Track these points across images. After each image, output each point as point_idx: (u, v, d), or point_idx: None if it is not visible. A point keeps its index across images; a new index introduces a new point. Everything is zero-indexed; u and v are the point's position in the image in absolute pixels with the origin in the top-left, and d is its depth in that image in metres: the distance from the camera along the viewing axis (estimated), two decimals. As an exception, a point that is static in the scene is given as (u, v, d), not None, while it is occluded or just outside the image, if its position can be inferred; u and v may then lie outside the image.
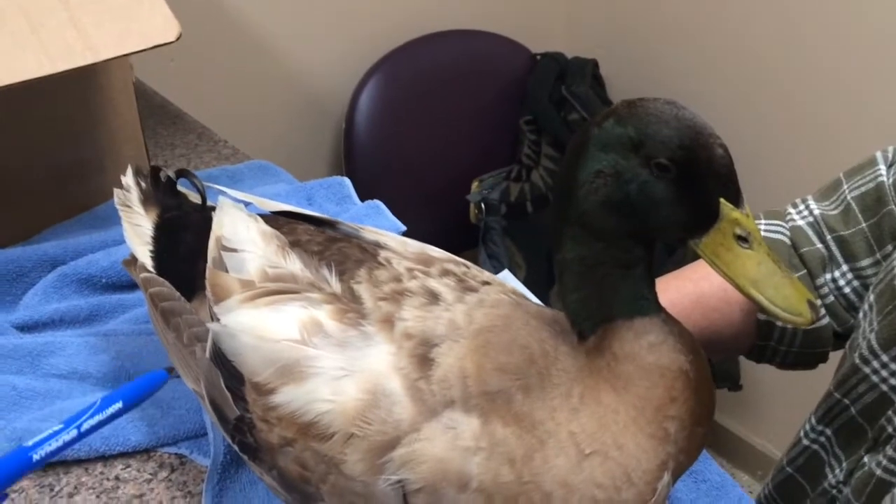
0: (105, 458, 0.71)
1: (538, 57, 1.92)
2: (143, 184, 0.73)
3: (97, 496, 0.68)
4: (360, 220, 0.99)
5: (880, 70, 1.50)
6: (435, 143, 1.84)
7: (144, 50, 0.80)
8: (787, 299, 0.49)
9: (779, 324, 0.77)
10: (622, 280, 0.53)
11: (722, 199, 0.49)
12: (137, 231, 0.70)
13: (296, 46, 1.70)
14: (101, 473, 0.70)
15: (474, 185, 1.86)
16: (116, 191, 0.72)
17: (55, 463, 0.70)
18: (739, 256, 0.50)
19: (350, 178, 1.18)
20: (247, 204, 0.71)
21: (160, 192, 0.73)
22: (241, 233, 0.61)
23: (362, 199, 1.04)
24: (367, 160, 1.76)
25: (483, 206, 1.84)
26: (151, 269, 0.67)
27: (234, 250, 0.60)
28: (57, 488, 0.68)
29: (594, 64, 1.90)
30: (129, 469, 0.71)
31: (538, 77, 1.88)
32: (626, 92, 1.95)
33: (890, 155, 0.76)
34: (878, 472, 0.63)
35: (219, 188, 0.73)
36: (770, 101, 1.70)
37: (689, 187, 0.49)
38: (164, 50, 1.53)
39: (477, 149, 1.89)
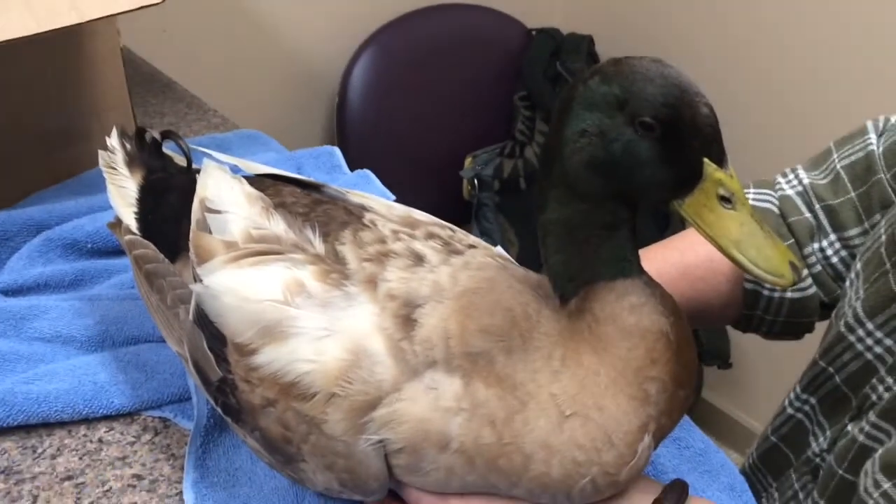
0: (88, 421, 0.71)
1: (534, 32, 1.91)
2: (128, 146, 0.72)
3: (80, 458, 0.68)
4: (349, 189, 0.98)
5: (877, 40, 1.50)
6: (429, 118, 1.83)
7: (131, 11, 0.79)
8: (769, 260, 0.49)
9: (765, 293, 0.77)
10: (605, 242, 0.53)
11: (705, 160, 0.49)
12: (122, 193, 0.69)
13: (290, 18, 1.69)
14: (85, 436, 0.70)
15: (468, 160, 1.85)
16: (101, 152, 0.72)
17: (38, 424, 0.70)
18: (722, 217, 0.49)
19: (343, 150, 1.17)
20: (234, 168, 0.71)
21: (145, 154, 0.72)
22: (224, 194, 0.60)
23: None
24: (361, 134, 1.75)
25: (476, 182, 1.83)
26: (136, 231, 0.67)
27: (218, 212, 0.59)
28: (40, 450, 0.68)
29: (590, 40, 1.89)
30: (112, 431, 0.70)
31: (533, 53, 1.87)
32: (621, 69, 1.94)
33: (881, 124, 0.75)
34: (861, 438, 0.63)
35: (204, 150, 0.72)
36: (766, 76, 1.69)
37: (673, 147, 0.48)
38: (156, 20, 1.52)
39: (471, 124, 1.89)
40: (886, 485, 0.56)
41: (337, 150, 1.07)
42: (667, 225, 1.73)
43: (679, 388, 0.54)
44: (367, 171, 1.02)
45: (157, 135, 0.72)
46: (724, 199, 0.49)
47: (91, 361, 0.73)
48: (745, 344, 1.83)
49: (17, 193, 0.94)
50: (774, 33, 1.65)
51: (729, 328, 1.78)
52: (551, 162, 0.52)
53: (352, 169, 1.04)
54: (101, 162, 0.71)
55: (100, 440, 0.70)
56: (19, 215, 0.88)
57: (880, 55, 1.49)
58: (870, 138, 0.74)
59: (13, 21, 0.73)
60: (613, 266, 0.53)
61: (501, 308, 0.55)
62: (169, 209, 0.67)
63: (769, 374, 1.89)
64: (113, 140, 0.72)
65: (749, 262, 0.49)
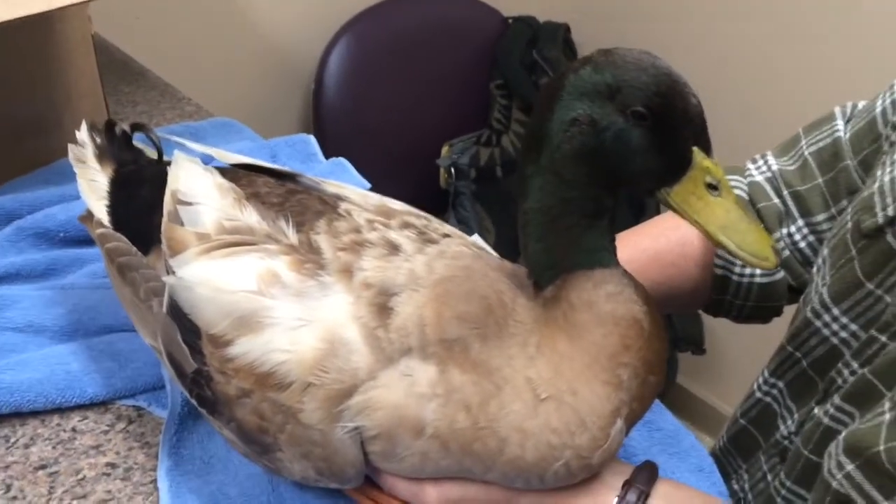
0: (62, 410, 0.71)
1: (510, 21, 1.91)
2: (98, 139, 0.72)
3: (53, 447, 0.68)
4: (324, 177, 0.98)
5: (845, 28, 1.51)
6: (405, 106, 1.83)
7: (100, -2, 0.78)
8: (754, 244, 0.51)
9: (734, 278, 0.78)
10: (587, 231, 0.54)
11: (695, 148, 0.50)
12: (93, 186, 0.69)
13: (265, 5, 1.67)
14: (58, 425, 0.70)
15: (444, 149, 1.85)
16: (71, 146, 0.71)
17: (10, 415, 0.69)
18: (709, 204, 0.51)
19: (319, 139, 1.15)
20: (207, 158, 0.70)
21: (115, 147, 0.72)
22: (196, 186, 0.60)
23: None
24: (337, 122, 1.75)
25: (453, 170, 1.83)
26: (108, 225, 0.66)
27: (190, 203, 0.59)
28: (13, 439, 0.68)
29: (566, 28, 1.90)
30: (86, 421, 0.70)
31: (509, 41, 1.87)
32: (597, 57, 1.94)
33: (848, 110, 0.76)
34: (826, 420, 0.64)
35: (177, 140, 0.72)
36: (739, 65, 1.71)
37: (664, 135, 0.50)
38: (129, 7, 1.50)
39: (447, 113, 1.89)
40: (849, 466, 0.57)
41: (312, 138, 1.07)
42: (642, 212, 1.74)
43: (650, 375, 0.55)
44: (342, 160, 1.02)
45: (126, 127, 0.71)
46: (711, 187, 0.51)
47: (64, 351, 0.73)
48: (718, 330, 1.85)
49: (-13, 182, 0.93)
50: (747, 22, 1.67)
51: (703, 315, 1.81)
52: (537, 151, 0.52)
53: (328, 157, 1.04)
54: (70, 156, 0.71)
55: (73, 429, 0.70)
56: (-10, 204, 0.87)
57: (850, 42, 1.51)
58: (837, 125, 0.75)
59: (-19, 8, 0.73)
60: (593, 255, 0.54)
61: (477, 296, 0.55)
62: (141, 202, 0.67)
63: (742, 359, 1.92)
64: (82, 134, 0.72)
65: (735, 247, 0.51)
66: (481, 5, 1.90)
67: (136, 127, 0.71)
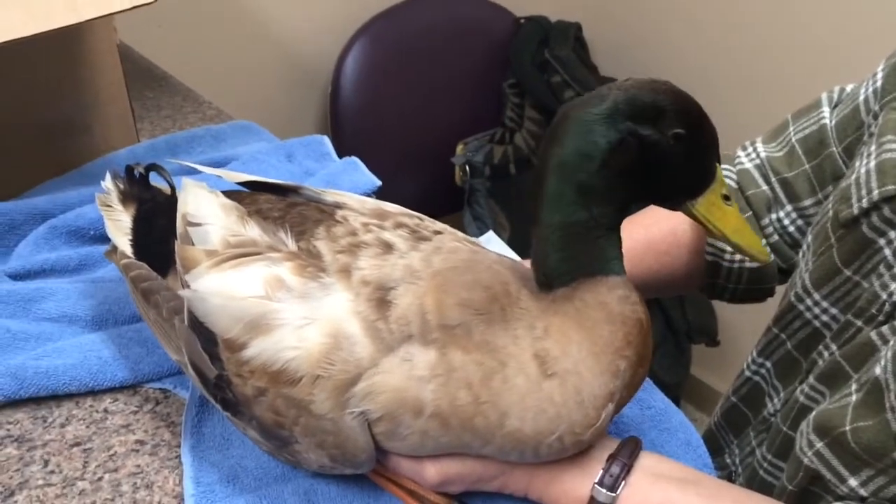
0: (94, 393, 0.76)
1: (522, 20, 1.94)
2: (121, 185, 0.79)
3: (87, 426, 0.73)
4: (337, 176, 1.03)
5: (837, 19, 1.53)
6: (420, 106, 1.88)
7: (125, 10, 0.83)
8: (756, 245, 0.59)
9: (724, 264, 0.82)
10: (607, 241, 0.59)
11: (717, 164, 0.57)
12: (118, 225, 0.76)
13: (282, 10, 1.73)
14: (91, 406, 0.75)
15: (459, 147, 1.89)
16: (98, 195, 0.79)
17: (47, 397, 0.75)
18: (726, 213, 0.59)
19: (336, 140, 1.19)
20: (213, 179, 0.76)
21: (136, 189, 0.78)
22: (203, 208, 0.66)
23: (347, 160, 1.08)
24: (354, 123, 1.80)
25: (468, 168, 1.87)
26: (130, 256, 0.72)
27: (199, 224, 0.65)
28: (50, 420, 0.74)
29: (577, 27, 1.93)
30: (116, 402, 0.76)
31: (521, 40, 1.90)
32: (609, 55, 1.97)
33: (835, 95, 0.79)
34: (802, 398, 0.68)
35: (190, 165, 0.79)
36: (745, 56, 1.73)
37: (697, 153, 0.56)
38: (152, 16, 1.56)
39: (461, 112, 1.93)
40: (819, 444, 0.61)
41: (326, 139, 1.12)
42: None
43: (640, 367, 0.61)
44: (355, 159, 1.06)
45: (142, 169, 0.78)
46: (725, 197, 0.59)
47: (96, 339, 0.78)
48: (731, 322, 1.88)
49: (22, 184, 0.99)
50: (756, 18, 1.69)
51: (717, 307, 1.83)
52: (572, 171, 0.56)
53: (344, 157, 1.09)
54: (97, 203, 0.78)
55: (105, 410, 0.75)
56: (25, 205, 0.92)
57: (840, 28, 1.53)
58: (823, 112, 0.78)
59: (13, 22, 0.78)
60: (608, 263, 0.59)
61: (480, 285, 0.60)
62: (158, 231, 0.73)
63: (757, 350, 1.93)
64: (107, 182, 0.79)
65: (747, 246, 0.59)
66: (493, 6, 1.94)
67: (150, 168, 0.78)
